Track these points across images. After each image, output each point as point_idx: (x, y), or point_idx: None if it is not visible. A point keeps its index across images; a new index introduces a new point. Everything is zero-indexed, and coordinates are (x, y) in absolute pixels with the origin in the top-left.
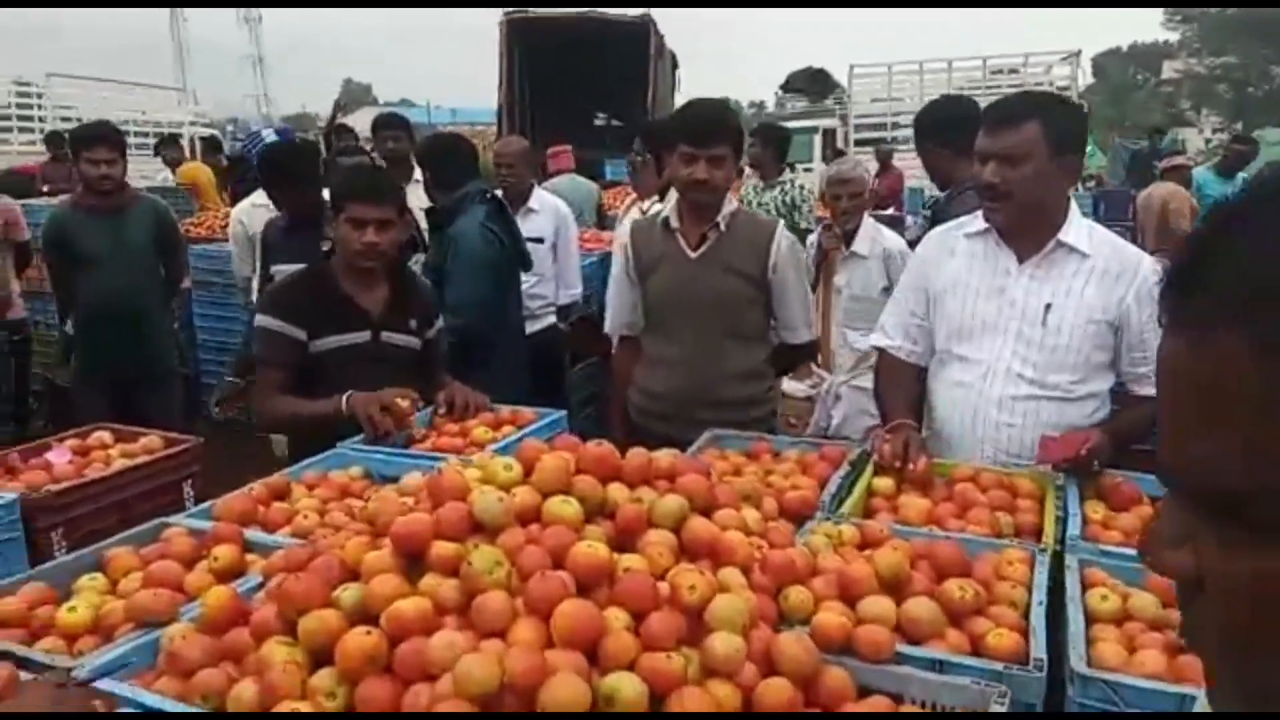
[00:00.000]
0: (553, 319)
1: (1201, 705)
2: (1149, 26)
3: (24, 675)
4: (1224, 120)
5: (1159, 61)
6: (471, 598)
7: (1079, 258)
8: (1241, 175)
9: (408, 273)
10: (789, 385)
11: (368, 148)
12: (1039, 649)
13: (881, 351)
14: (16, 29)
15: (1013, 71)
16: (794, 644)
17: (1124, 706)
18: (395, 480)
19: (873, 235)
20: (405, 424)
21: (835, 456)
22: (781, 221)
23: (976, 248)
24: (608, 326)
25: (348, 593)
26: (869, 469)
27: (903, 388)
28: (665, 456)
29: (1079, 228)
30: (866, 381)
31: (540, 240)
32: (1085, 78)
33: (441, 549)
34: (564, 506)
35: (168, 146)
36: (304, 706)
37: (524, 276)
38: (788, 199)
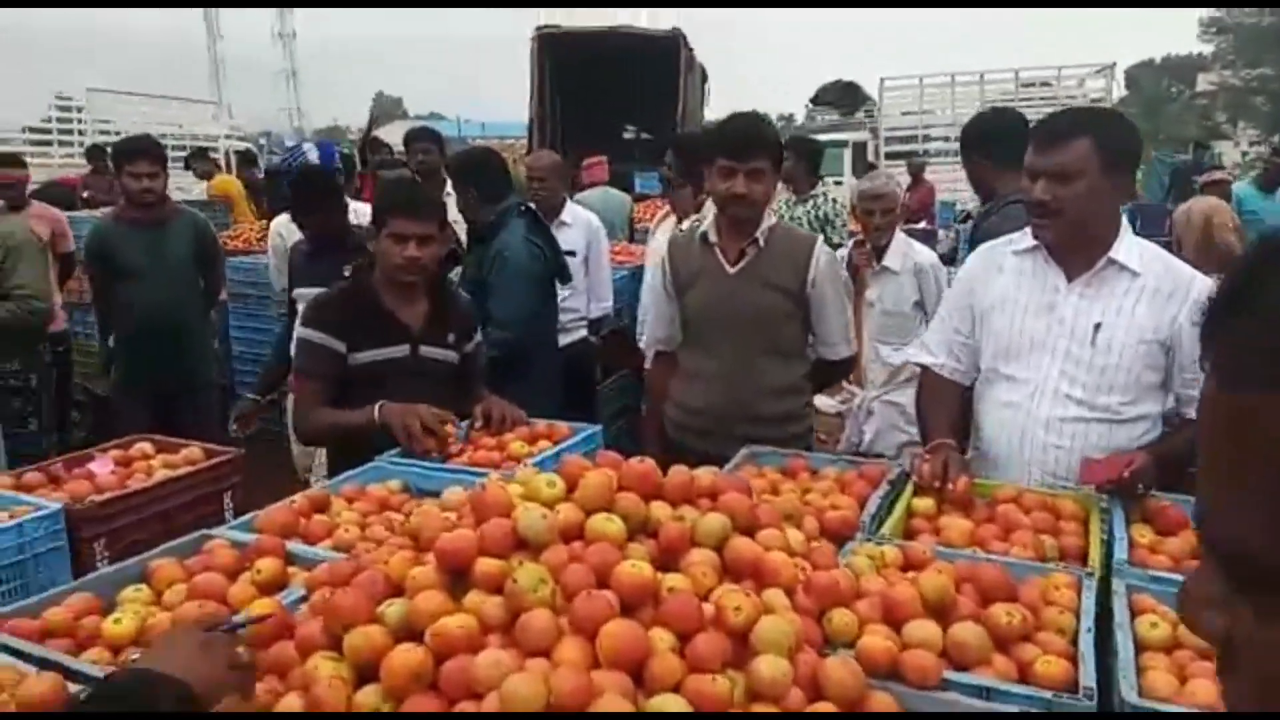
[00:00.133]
0: (584, 332)
1: None
2: (1183, 38)
3: (71, 686)
4: (1261, 133)
5: (1193, 74)
6: (516, 615)
7: (1130, 276)
8: None
9: (447, 286)
10: (820, 401)
11: (404, 160)
12: (1089, 677)
13: (924, 369)
14: (52, 49)
15: (1045, 84)
16: (840, 668)
17: None
18: (434, 494)
19: (904, 250)
20: (445, 447)
21: (874, 475)
22: (820, 237)
23: (1025, 265)
24: (643, 341)
25: (393, 608)
26: (909, 488)
27: (945, 406)
28: (706, 474)
29: (1130, 245)
30: (899, 396)
31: (573, 253)
32: (1119, 90)
33: (486, 565)
34: (607, 524)
35: (198, 160)
36: None
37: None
38: (820, 213)
